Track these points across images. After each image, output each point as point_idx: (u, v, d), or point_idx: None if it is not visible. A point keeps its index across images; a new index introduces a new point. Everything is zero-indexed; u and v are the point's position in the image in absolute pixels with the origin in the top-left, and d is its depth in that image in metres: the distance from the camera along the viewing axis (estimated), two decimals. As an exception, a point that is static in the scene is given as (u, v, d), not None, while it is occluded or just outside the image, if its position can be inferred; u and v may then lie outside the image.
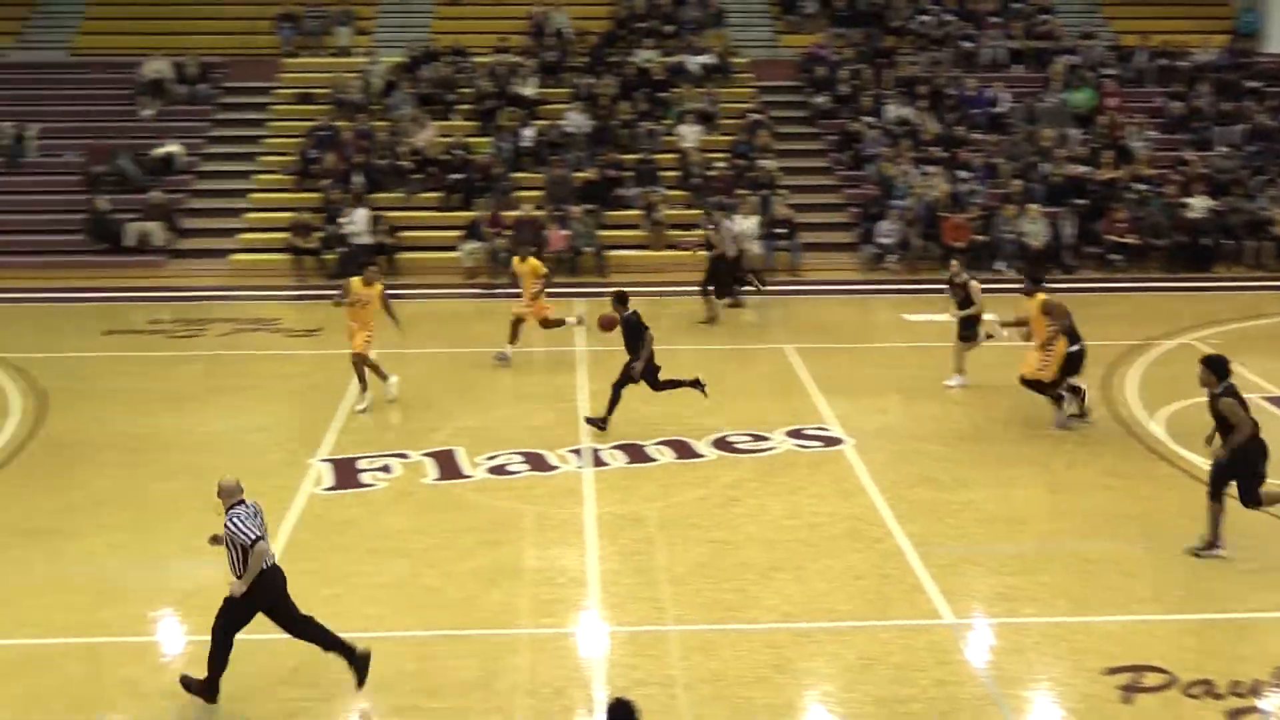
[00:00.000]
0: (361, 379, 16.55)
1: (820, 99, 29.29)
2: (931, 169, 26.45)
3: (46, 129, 27.61)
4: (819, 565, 12.30)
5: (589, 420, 15.90)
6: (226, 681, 9.98)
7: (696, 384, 16.23)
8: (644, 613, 11.47)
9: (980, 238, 25.04)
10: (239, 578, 9.77)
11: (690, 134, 27.57)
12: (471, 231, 24.56)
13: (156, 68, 28.74)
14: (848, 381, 17.55)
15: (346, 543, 12.88)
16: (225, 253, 25.15)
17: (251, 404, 17.23)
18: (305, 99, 28.78)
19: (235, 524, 9.71)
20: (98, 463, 15.10)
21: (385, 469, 14.76)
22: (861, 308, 23.54)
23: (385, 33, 31.63)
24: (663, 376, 16.02)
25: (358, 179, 25.74)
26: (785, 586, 11.87)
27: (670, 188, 26.55)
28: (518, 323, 18.60)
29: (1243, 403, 11.99)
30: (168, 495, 14.11)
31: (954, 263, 18.09)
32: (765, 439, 15.66)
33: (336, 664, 10.19)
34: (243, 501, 9.96)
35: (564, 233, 24.63)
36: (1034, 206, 25.27)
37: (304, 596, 11.71)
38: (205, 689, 9.90)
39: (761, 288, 22.94)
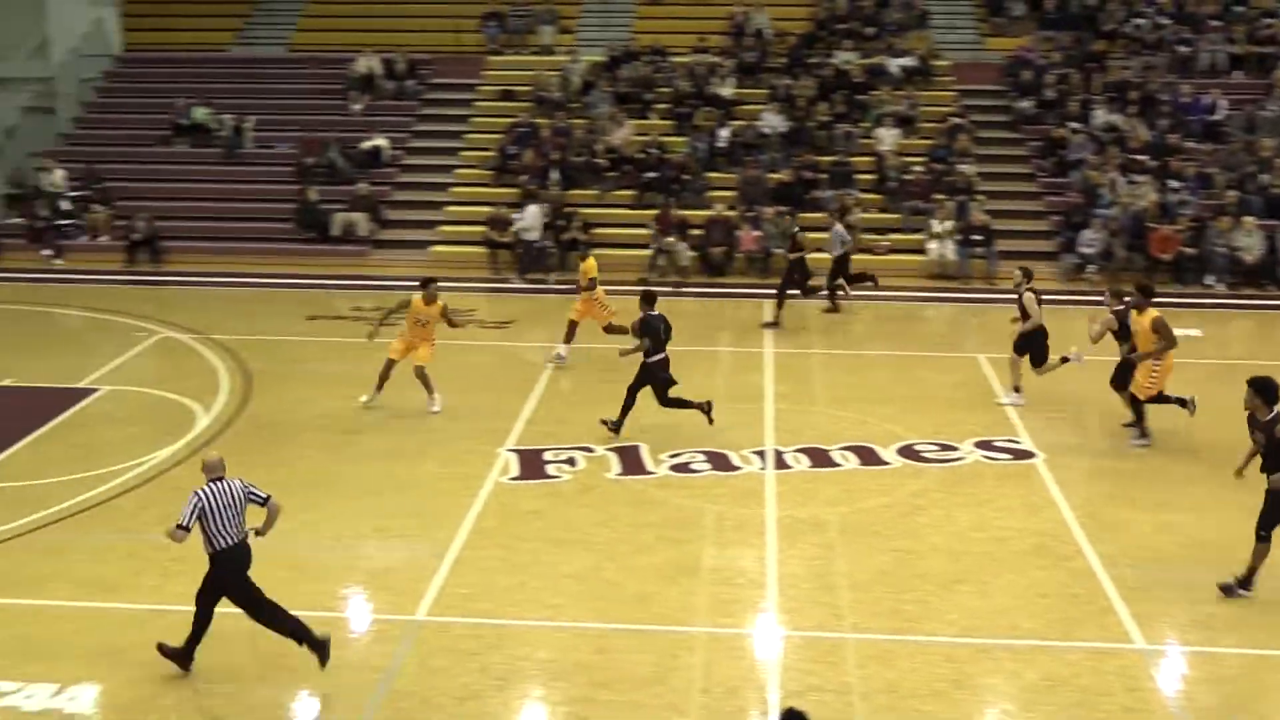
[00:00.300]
0: (428, 387, 16.52)
1: (1024, 103, 28.52)
2: (1140, 178, 25.51)
3: (263, 121, 28.82)
4: (1003, 580, 11.99)
5: (604, 422, 15.66)
6: (414, 665, 10.27)
7: (706, 409, 15.59)
8: (821, 618, 11.37)
9: (1189, 250, 24.04)
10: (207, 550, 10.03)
11: (888, 137, 27.19)
12: (664, 229, 24.70)
13: (367, 64, 29.73)
14: (1042, 393, 17.05)
15: (530, 532, 13.11)
16: (425, 244, 25.88)
17: (442, 392, 17.64)
18: (507, 96, 29.38)
19: (190, 501, 9.92)
20: (298, 443, 15.70)
21: (570, 462, 14.96)
22: (1059, 318, 22.80)
23: (588, 32, 32.05)
24: (681, 394, 15.53)
25: (554, 175, 26.16)
26: (967, 600, 11.62)
27: (865, 191, 26.25)
28: (573, 324, 18.62)
29: None
30: (362, 477, 14.59)
31: (1016, 271, 17.14)
32: (953, 449, 15.35)
33: (511, 648, 10.38)
34: (221, 479, 10.13)
35: (756, 233, 24.57)
36: (1250, 219, 24.15)
37: (486, 584, 12.02)
38: (180, 654, 10.29)
39: (877, 288, 22.64)
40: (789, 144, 27.26)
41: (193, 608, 10.29)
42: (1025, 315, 16.58)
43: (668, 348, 15.62)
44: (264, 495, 10.40)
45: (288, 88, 30.39)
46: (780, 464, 14.94)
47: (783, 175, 26.34)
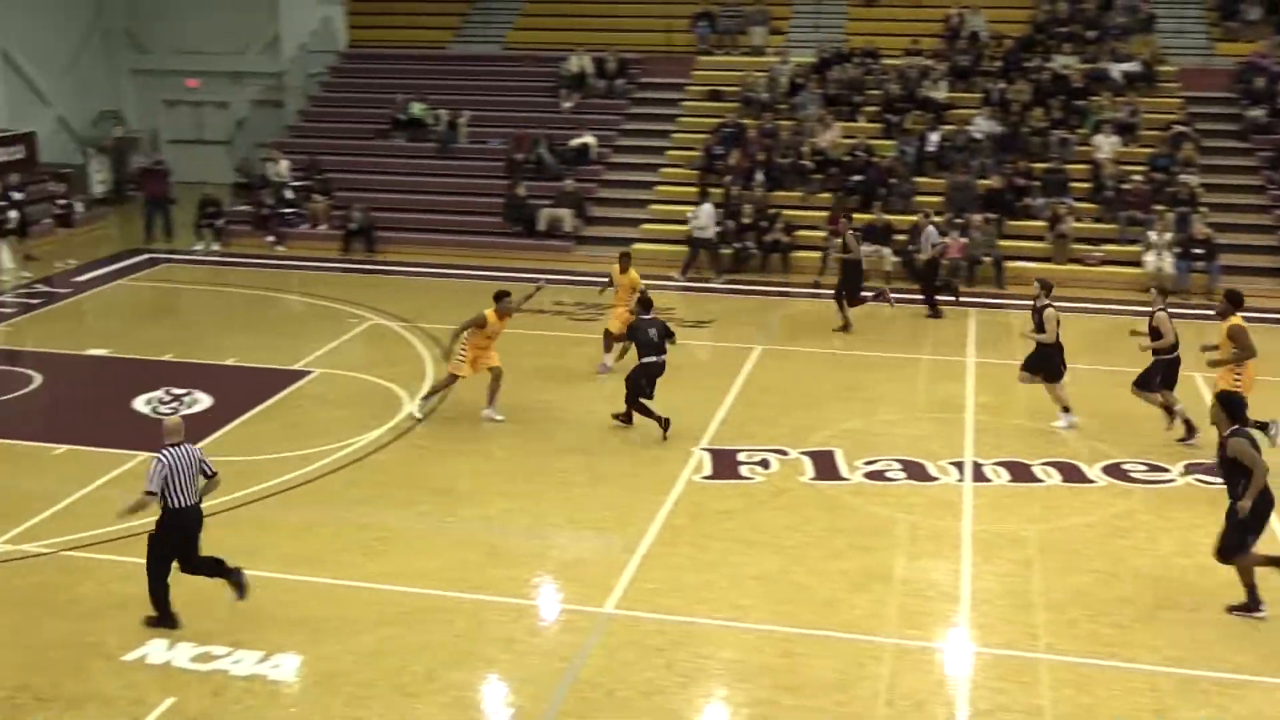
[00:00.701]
0: (496, 391, 16.40)
1: (1256, 112, 27.17)
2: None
3: (476, 117, 29.56)
4: (1211, 610, 11.45)
5: (616, 416, 16.05)
6: (601, 657, 10.39)
7: (662, 424, 15.55)
8: (1014, 636, 11.06)
9: None
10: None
11: (1106, 144, 26.24)
12: (868, 234, 24.38)
13: (579, 63, 30.20)
14: (1264, 417, 16.21)
15: (720, 532, 13.11)
16: (629, 241, 26.08)
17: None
18: (714, 96, 29.44)
19: (151, 466, 10.70)
20: (497, 432, 16.04)
21: (764, 463, 14.91)
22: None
23: (799, 33, 31.87)
24: (652, 400, 15.71)
25: (759, 176, 26.10)
26: (1170, 628, 11.14)
27: (1079, 200, 25.41)
28: (609, 334, 18.36)
29: (1255, 444, 11.13)
30: (558, 469, 14.83)
31: (1036, 283, 16.40)
32: (1164, 470, 14.74)
33: (697, 646, 10.38)
34: (179, 444, 10.77)
35: (962, 241, 24.05)
36: None
37: (674, 580, 12.06)
38: (161, 620, 10.98)
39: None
40: (1001, 149, 26.59)
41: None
42: (1040, 329, 15.95)
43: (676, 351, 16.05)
44: (213, 470, 11.12)
45: (501, 85, 31.09)
46: (979, 476, 14.59)
47: (993, 181, 25.70)
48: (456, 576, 12.11)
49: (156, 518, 10.92)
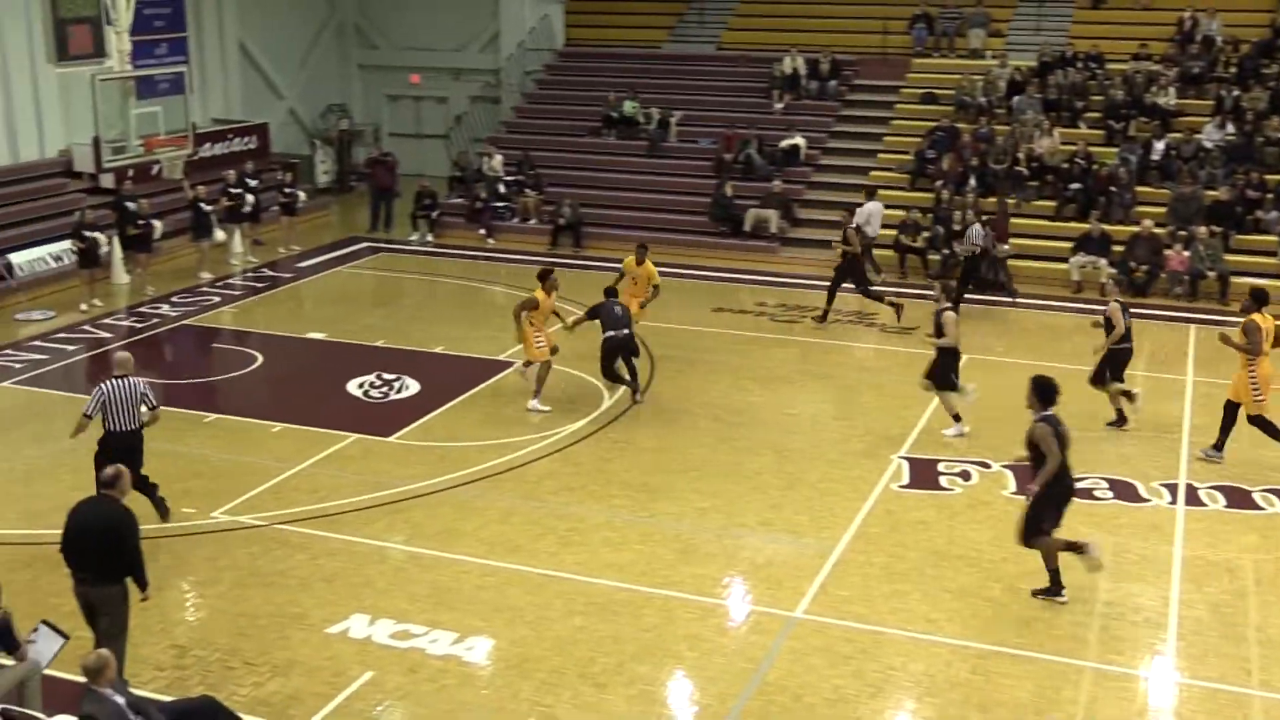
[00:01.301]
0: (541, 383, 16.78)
1: None
2: None
3: (687, 116, 29.70)
4: None
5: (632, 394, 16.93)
6: (788, 661, 10.31)
7: (633, 388, 17.02)
8: (1226, 670, 10.55)
9: None
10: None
11: (1349, 156, 24.79)
12: (1081, 244, 23.61)
13: (792, 63, 30.04)
14: None
15: (915, 542, 12.88)
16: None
17: (838, 393, 17.62)
18: (929, 99, 28.89)
19: (94, 394, 12.32)
20: (695, 430, 16.09)
21: (964, 475, 14.59)
22: None
23: (1019, 35, 31.02)
24: (625, 367, 17.05)
25: (972, 181, 25.53)
26: (1401, 673, 10.46)
27: (1316, 214, 24.06)
28: None
29: (1060, 435, 11.32)
30: (753, 470, 14.79)
31: (936, 285, 16.36)
32: (1397, 504, 13.85)
33: (886, 657, 10.22)
34: (124, 377, 12.33)
35: (1185, 254, 23.04)
36: None
37: (866, 589, 11.92)
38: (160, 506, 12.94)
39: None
40: (1232, 159, 25.37)
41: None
42: (939, 334, 15.70)
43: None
44: (155, 403, 12.55)
45: (713, 84, 31.14)
46: (1193, 500, 13.97)
47: (1221, 193, 24.52)
48: (648, 571, 12.20)
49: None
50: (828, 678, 10.36)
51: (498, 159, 28.60)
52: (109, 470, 10.01)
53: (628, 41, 33.54)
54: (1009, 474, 14.53)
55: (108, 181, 24.20)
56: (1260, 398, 14.67)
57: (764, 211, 26.31)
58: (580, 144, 30.03)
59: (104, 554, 9.66)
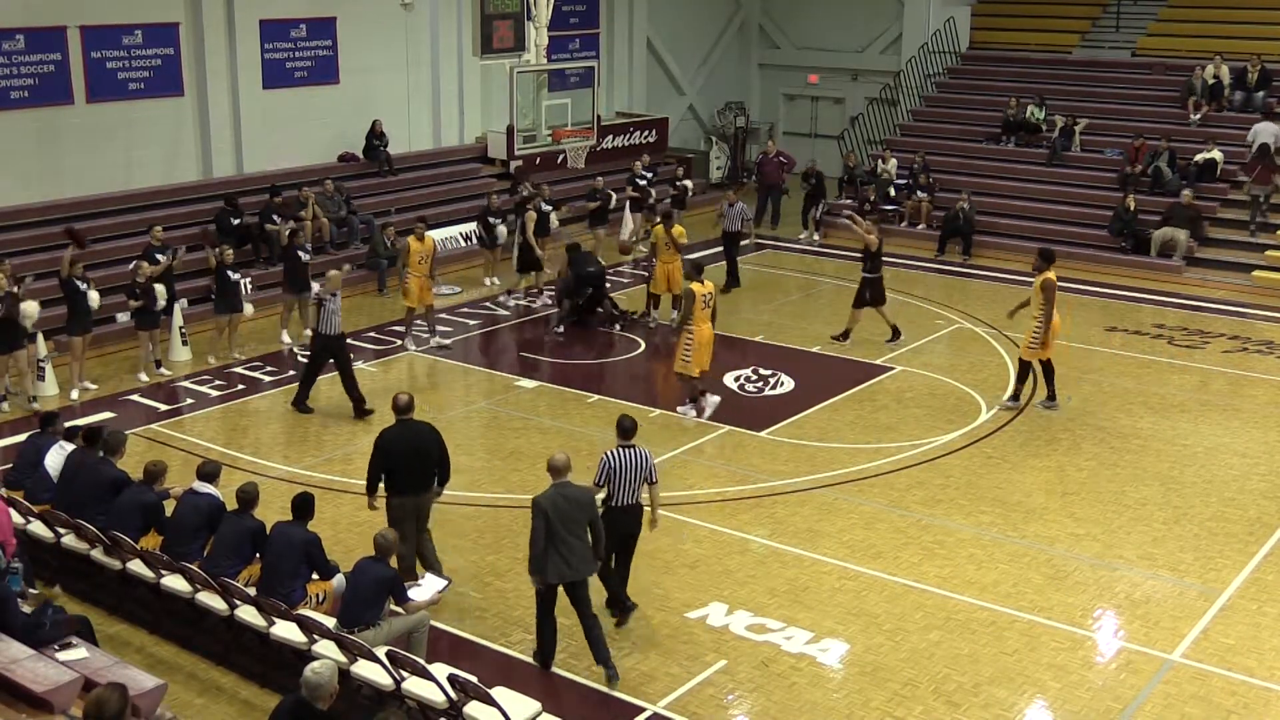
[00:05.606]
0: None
1: None
2: None
3: (1094, 125, 28.35)
4: None
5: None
6: (1160, 706, 9.71)
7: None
8: None
9: None
10: None
11: None
12: None
13: (1214, 71, 28.10)
14: None
15: (1316, 595, 11.82)
16: (1249, 268, 24.05)
17: (1240, 427, 16.37)
18: (1371, 115, 26.38)
19: None
20: (1076, 452, 15.38)
21: (1379, 528, 13.26)
22: None
23: None
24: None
25: None
26: None
27: None
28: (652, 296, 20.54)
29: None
30: (1136, 499, 14.00)
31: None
32: None
33: (1274, 715, 9.46)
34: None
35: None
36: None
37: (1256, 640, 11.06)
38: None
39: None
40: None
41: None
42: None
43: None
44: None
45: (1124, 92, 29.58)
46: None
47: None
48: (1013, 593, 11.78)
49: None
50: (981, 694, 9.74)
51: (892, 162, 28.30)
52: None
53: (1036, 45, 32.36)
54: None
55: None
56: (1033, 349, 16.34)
57: (1173, 231, 24.76)
58: (977, 150, 29.24)
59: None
